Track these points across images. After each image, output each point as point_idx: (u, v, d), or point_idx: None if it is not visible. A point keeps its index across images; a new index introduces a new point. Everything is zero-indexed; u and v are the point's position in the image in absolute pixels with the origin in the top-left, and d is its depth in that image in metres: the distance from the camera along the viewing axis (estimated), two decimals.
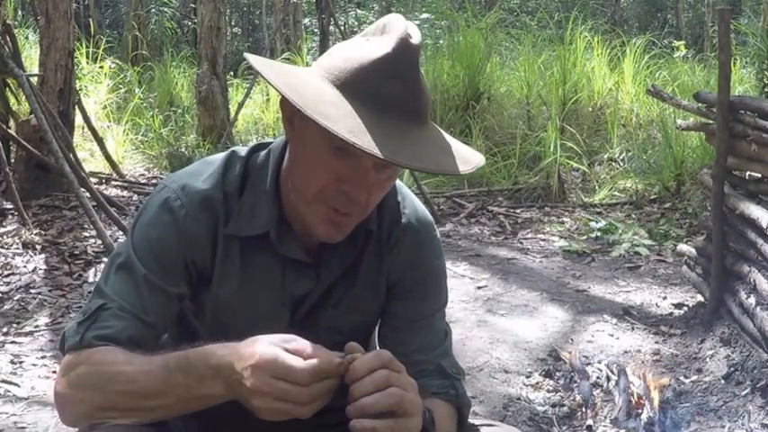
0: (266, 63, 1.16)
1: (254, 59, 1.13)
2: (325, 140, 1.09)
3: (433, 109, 5.56)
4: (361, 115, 1.05)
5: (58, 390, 1.17)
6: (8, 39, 4.98)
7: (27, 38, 8.07)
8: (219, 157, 1.29)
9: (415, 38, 1.10)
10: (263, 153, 1.28)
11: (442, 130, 1.18)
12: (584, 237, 5.02)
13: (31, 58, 7.02)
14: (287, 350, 1.05)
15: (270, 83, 1.09)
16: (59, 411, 1.19)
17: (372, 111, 1.06)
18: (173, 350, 1.13)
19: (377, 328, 1.39)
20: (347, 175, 1.12)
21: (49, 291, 3.84)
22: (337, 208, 1.15)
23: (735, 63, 6.69)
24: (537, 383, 2.87)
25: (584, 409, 2.65)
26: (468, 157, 1.16)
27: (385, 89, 1.07)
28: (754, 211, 2.84)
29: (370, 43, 1.12)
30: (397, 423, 1.04)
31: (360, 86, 1.08)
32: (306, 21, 14.13)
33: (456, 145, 1.17)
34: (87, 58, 8.11)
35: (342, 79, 1.09)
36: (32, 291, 3.83)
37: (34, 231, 4.46)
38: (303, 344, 1.06)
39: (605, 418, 2.61)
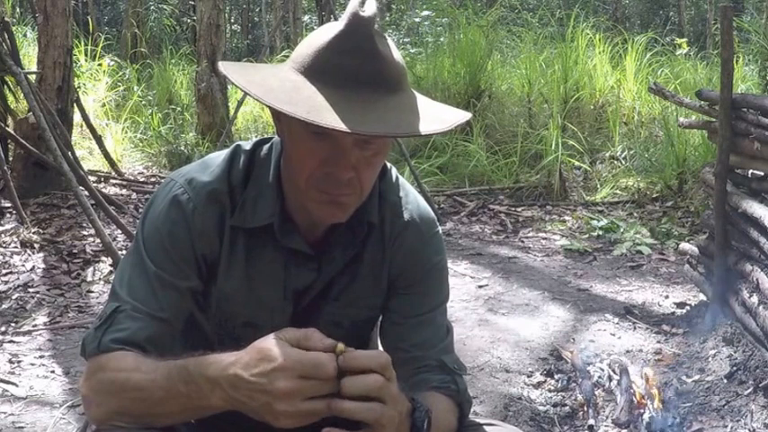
0: (235, 66, 1.20)
1: (223, 66, 1.17)
2: (304, 128, 1.11)
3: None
4: (326, 94, 1.07)
5: (83, 392, 1.20)
6: (6, 36, 4.96)
7: (25, 35, 8.07)
8: (224, 151, 1.30)
9: (368, 9, 1.11)
10: (266, 147, 1.30)
11: (420, 95, 1.18)
12: (586, 235, 5.01)
13: (30, 56, 7.00)
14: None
15: (234, 83, 1.12)
16: (86, 411, 1.22)
17: (337, 88, 1.08)
18: (177, 357, 1.13)
19: (378, 324, 1.39)
20: (329, 157, 1.14)
21: (48, 290, 3.83)
22: (328, 190, 1.16)
23: (737, 60, 6.67)
24: (538, 383, 2.86)
25: (585, 409, 2.64)
26: (445, 117, 1.16)
27: (344, 64, 1.09)
28: (756, 209, 2.82)
29: (329, 25, 1.14)
30: None
31: (320, 67, 1.10)
32: (306, 18, 14.10)
33: (435, 107, 1.18)
34: (86, 55, 8.08)
35: (305, 65, 1.12)
36: (31, 290, 3.81)
37: (32, 230, 4.44)
38: (299, 333, 1.05)
39: (607, 417, 2.60)
